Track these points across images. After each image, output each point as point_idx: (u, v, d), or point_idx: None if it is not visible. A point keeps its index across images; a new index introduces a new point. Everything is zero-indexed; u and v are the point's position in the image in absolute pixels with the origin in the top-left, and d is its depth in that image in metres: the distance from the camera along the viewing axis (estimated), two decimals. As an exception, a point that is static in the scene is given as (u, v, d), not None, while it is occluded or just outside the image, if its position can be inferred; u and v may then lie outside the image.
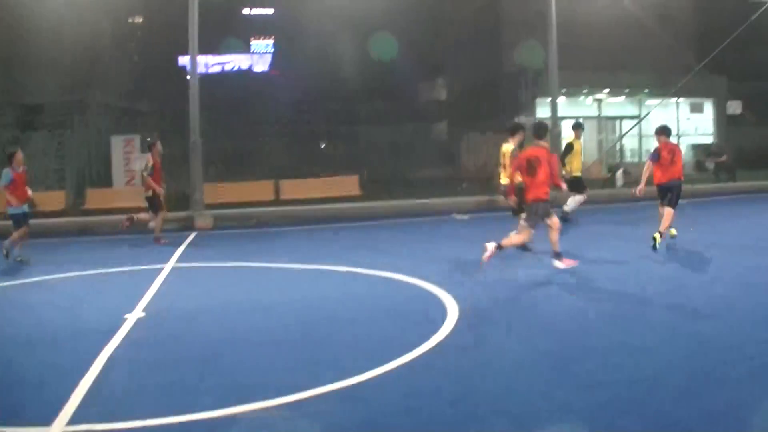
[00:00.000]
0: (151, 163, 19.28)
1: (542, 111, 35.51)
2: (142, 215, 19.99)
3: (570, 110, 43.91)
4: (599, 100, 43.95)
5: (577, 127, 21.41)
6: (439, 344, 8.95)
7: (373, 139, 37.11)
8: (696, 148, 43.43)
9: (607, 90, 43.69)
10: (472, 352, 8.75)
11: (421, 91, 48.22)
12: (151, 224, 19.79)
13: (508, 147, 16.36)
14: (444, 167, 37.67)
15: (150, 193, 19.36)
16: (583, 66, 39.07)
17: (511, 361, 8.37)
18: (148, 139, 20.35)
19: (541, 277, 13.07)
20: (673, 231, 16.19)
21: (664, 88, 35.15)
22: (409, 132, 38.86)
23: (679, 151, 16.53)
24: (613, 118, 44.44)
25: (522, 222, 14.07)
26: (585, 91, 43.42)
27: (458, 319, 10.11)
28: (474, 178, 34.18)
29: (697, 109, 44.93)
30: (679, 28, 41.22)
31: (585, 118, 43.96)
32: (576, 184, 20.30)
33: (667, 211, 15.48)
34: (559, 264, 13.42)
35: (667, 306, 10.74)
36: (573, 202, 20.60)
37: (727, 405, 6.75)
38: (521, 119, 29.57)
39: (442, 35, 42.93)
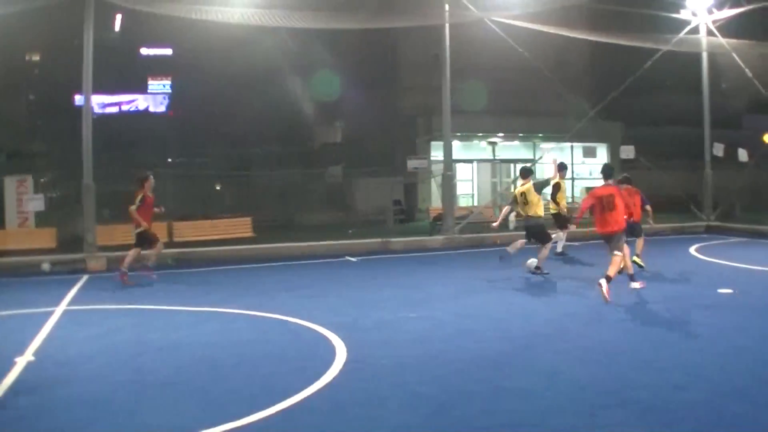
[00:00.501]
0: (139, 197, 18.85)
1: (436, 153, 35.74)
2: (148, 252, 19.59)
3: (464, 153, 44.41)
4: (494, 144, 44.39)
5: (562, 168, 23.00)
6: (325, 387, 9.10)
7: (267, 182, 37.01)
8: (590, 190, 44.05)
9: (501, 134, 44.15)
10: (357, 395, 8.86)
11: (318, 134, 48.32)
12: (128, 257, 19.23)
13: (525, 187, 18.64)
14: (337, 210, 37.69)
15: (142, 228, 18.97)
16: (478, 110, 39.54)
17: (394, 404, 8.51)
18: (148, 173, 19.86)
19: (434, 319, 13.25)
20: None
21: (558, 133, 35.72)
22: (303, 175, 38.84)
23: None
24: (508, 161, 44.93)
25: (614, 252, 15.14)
26: (480, 134, 43.82)
27: (345, 362, 10.27)
28: (366, 221, 34.26)
29: (590, 153, 45.64)
30: (575, 75, 41.92)
31: (479, 161, 44.54)
32: (563, 220, 22.17)
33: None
34: (635, 285, 15.80)
35: (552, 350, 10.97)
36: (559, 239, 22.21)
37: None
38: (414, 162, 29.66)
39: (340, 77, 43.01)
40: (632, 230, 18.00)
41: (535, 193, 18.48)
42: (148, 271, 19.34)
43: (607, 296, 14.08)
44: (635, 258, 18.22)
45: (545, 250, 18.57)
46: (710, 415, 7.91)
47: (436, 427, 7.78)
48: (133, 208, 18.73)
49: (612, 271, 14.62)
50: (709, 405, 8.24)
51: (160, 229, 25.65)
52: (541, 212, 18.69)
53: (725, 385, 8.95)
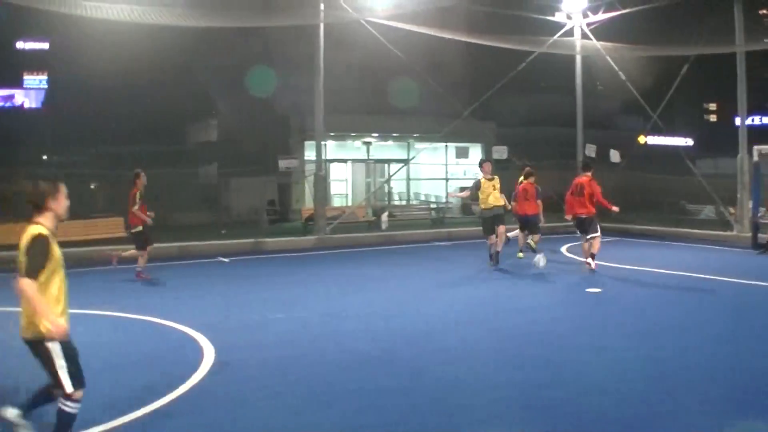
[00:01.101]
0: (138, 195, 18.78)
1: (310, 153, 35.69)
2: (130, 252, 19.42)
3: (339, 153, 44.45)
4: (368, 143, 44.48)
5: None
6: (189, 390, 9.07)
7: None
8: (463, 190, 44.21)
9: (375, 134, 44.25)
10: (221, 398, 8.87)
11: (192, 133, 47.82)
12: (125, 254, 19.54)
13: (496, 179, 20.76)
14: (211, 210, 37.34)
15: (140, 228, 18.88)
16: (353, 109, 39.59)
17: (256, 406, 8.57)
18: (138, 170, 19.41)
19: (301, 320, 13.32)
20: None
21: (432, 133, 35.94)
22: (177, 174, 38.34)
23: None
24: (382, 161, 45.10)
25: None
26: (354, 134, 43.85)
27: (211, 364, 10.23)
28: (240, 221, 34.09)
29: (462, 153, 46.04)
30: (450, 75, 42.20)
31: (354, 161, 44.59)
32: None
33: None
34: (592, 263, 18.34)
35: (416, 350, 11.15)
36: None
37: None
38: (285, 162, 29.58)
39: (216, 76, 42.66)
40: (527, 224, 21.10)
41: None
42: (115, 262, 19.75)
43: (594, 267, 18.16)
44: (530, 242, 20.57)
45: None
46: (572, 412, 8.14)
47: (297, 428, 7.81)
48: (135, 208, 18.66)
49: (595, 249, 18.11)
50: (571, 402, 8.48)
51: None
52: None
53: (586, 383, 9.24)
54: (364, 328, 12.66)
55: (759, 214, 24.40)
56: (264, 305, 14.84)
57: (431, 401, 8.59)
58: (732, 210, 27.35)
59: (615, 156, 29.64)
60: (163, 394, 8.77)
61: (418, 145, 43.35)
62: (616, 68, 31.59)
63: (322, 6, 26.97)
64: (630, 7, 30.59)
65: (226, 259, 23.10)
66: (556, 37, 31.59)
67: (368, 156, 44.74)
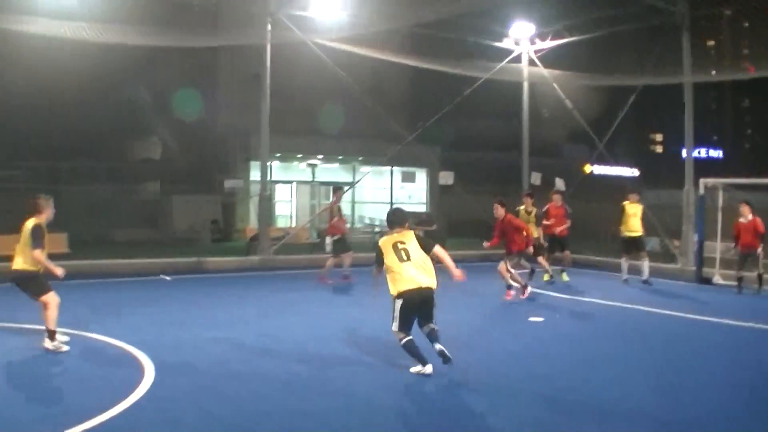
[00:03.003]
0: (337, 208, 21.87)
1: (255, 173, 35.52)
2: (329, 262, 21.80)
3: (284, 174, 44.42)
4: (313, 165, 44.41)
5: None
6: (120, 409, 8.90)
7: (80, 198, 35.95)
8: (408, 216, 44.06)
9: (320, 156, 44.23)
10: (152, 416, 8.81)
11: (134, 149, 47.43)
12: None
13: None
14: (153, 228, 37.08)
15: (338, 236, 21.62)
16: (298, 131, 39.53)
17: (188, 426, 8.53)
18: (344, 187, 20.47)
19: (235, 341, 13.21)
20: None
21: (377, 156, 35.96)
22: (117, 191, 37.99)
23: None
24: (327, 183, 45.06)
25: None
26: (299, 156, 43.81)
27: (145, 383, 10.10)
28: (183, 239, 33.91)
29: (408, 178, 46.15)
30: (395, 99, 42.35)
31: (299, 182, 44.50)
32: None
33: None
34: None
35: (349, 372, 11.21)
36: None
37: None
38: (231, 182, 29.50)
39: (159, 92, 42.31)
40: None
41: None
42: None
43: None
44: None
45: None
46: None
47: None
48: (335, 219, 21.83)
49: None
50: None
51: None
52: None
53: (523, 413, 9.21)
54: (299, 350, 12.54)
55: (724, 250, 24.43)
56: (200, 324, 14.69)
57: (362, 425, 8.59)
58: (676, 243, 27.51)
59: (561, 184, 29.69)
60: (97, 414, 8.58)
61: (363, 169, 43.42)
62: (563, 96, 31.88)
63: (269, 27, 26.95)
64: (578, 35, 30.90)
65: (168, 278, 22.89)
66: (503, 63, 31.75)
67: (313, 178, 44.64)
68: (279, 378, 10.60)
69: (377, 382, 10.47)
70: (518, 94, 34.19)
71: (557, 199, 23.20)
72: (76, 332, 13.43)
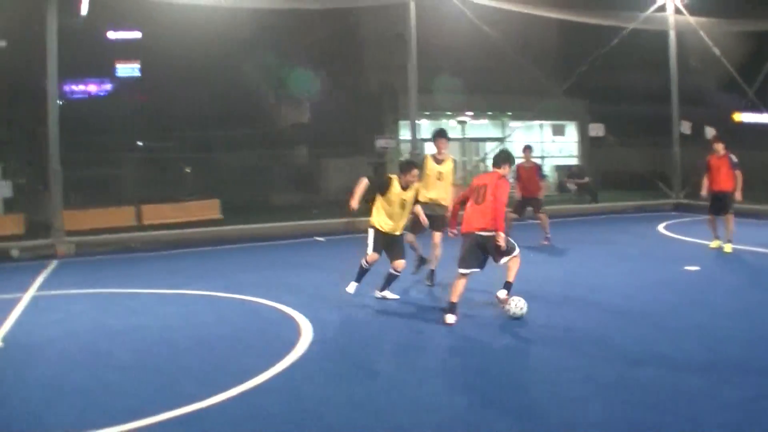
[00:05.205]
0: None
1: (405, 133, 35.47)
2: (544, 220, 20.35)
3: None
4: (463, 123, 44.15)
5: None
6: (289, 368, 9.00)
7: (233, 164, 36.49)
8: (560, 169, 43.81)
9: (470, 113, 43.95)
10: (317, 376, 8.79)
11: (284, 116, 47.84)
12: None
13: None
14: (304, 191, 37.38)
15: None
16: (446, 89, 39.31)
17: (357, 388, 8.39)
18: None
19: (404, 305, 12.96)
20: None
21: (527, 111, 35.60)
22: (269, 156, 38.46)
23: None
24: (477, 140, 44.76)
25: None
26: (448, 113, 43.59)
27: (311, 343, 10.15)
28: (333, 201, 34.18)
29: (558, 131, 45.60)
30: (540, 53, 41.72)
31: (450, 140, 44.23)
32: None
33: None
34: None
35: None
36: None
37: None
38: (382, 142, 29.50)
39: (306, 57, 42.59)
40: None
41: None
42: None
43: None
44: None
45: None
46: (666, 391, 7.86)
47: (398, 408, 7.70)
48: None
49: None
50: (665, 380, 8.21)
51: (127, 213, 25.38)
52: None
53: (681, 361, 8.91)
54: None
55: None
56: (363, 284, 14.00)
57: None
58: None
59: (710, 133, 28.89)
60: (261, 371, 8.73)
61: (512, 124, 43.01)
62: (711, 44, 30.83)
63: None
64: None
65: (322, 239, 23.06)
66: (648, 12, 30.91)
67: (463, 135, 44.40)
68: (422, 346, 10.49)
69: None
70: (664, 43, 33.27)
71: (720, 148, 18.13)
72: (234, 296, 13.74)
